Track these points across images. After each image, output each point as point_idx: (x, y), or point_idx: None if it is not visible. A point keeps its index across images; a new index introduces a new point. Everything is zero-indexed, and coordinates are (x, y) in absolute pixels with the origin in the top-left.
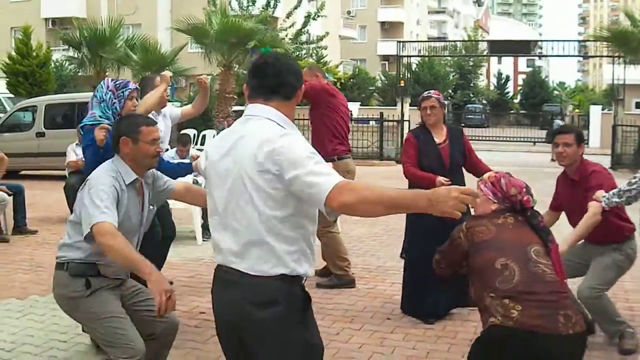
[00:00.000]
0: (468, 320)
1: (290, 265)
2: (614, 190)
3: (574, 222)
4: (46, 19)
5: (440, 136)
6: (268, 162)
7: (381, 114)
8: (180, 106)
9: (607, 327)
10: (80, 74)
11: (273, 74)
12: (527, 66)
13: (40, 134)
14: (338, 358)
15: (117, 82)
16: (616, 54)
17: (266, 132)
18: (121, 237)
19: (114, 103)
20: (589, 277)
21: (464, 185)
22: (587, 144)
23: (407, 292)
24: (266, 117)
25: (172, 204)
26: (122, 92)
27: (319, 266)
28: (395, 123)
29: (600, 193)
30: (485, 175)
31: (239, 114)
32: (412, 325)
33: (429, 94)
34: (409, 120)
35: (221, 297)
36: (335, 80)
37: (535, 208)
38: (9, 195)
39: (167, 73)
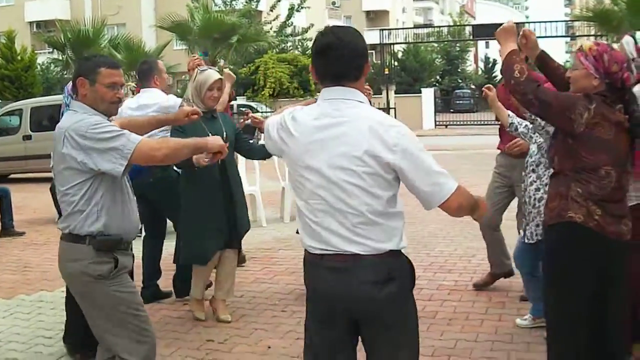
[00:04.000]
0: (447, 300)
1: (398, 240)
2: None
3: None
4: (30, 23)
5: None
6: (384, 147)
7: None
8: None
9: None
10: (66, 75)
11: (337, 59)
12: None
13: (27, 137)
14: None
15: None
16: (599, 33)
17: (374, 117)
18: (161, 140)
19: None
20: None
21: None
22: None
23: None
24: (357, 99)
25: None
26: None
27: None
28: (380, 111)
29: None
30: (586, 46)
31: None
32: None
33: None
34: (394, 108)
35: (329, 284)
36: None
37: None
38: None
39: (230, 72)
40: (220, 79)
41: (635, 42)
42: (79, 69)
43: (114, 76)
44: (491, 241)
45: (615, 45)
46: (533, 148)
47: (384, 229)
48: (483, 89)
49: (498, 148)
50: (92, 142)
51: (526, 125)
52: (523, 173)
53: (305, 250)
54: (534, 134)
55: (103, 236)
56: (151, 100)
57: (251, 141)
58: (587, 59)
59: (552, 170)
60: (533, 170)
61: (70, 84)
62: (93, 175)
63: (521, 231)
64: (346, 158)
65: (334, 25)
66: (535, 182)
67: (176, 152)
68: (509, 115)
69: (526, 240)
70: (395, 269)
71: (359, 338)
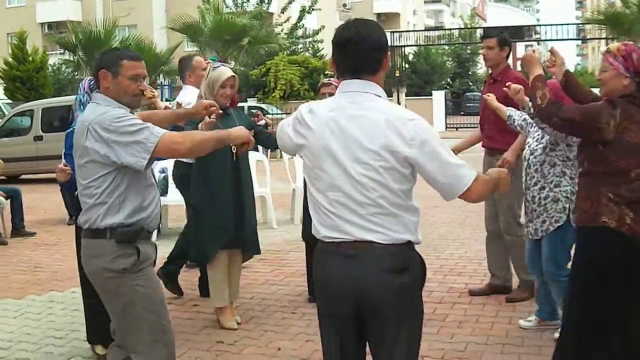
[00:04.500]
0: (458, 302)
1: (414, 233)
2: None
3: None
4: (42, 24)
5: None
6: (402, 141)
7: None
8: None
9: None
10: (77, 76)
11: (356, 53)
12: (526, 52)
13: (38, 138)
14: None
15: (93, 82)
16: (610, 36)
17: (392, 111)
18: (184, 134)
19: None
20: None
21: None
22: None
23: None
24: (375, 93)
25: None
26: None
27: None
28: None
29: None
30: (613, 47)
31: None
32: None
33: (329, 81)
34: None
35: (341, 270)
36: (332, 73)
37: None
38: (6, 198)
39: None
40: (234, 76)
41: None
42: (101, 62)
43: (137, 68)
44: (493, 248)
45: None
46: (533, 146)
47: (401, 220)
48: (483, 96)
49: (483, 146)
50: (115, 136)
51: (525, 119)
52: (524, 172)
53: (319, 240)
54: (532, 128)
55: (123, 227)
56: (181, 100)
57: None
58: (616, 59)
59: (557, 168)
60: (536, 170)
61: (85, 80)
62: (116, 168)
63: (527, 230)
64: (363, 151)
65: (355, 19)
66: (539, 181)
67: (200, 145)
68: (507, 109)
69: (530, 237)
70: (410, 260)
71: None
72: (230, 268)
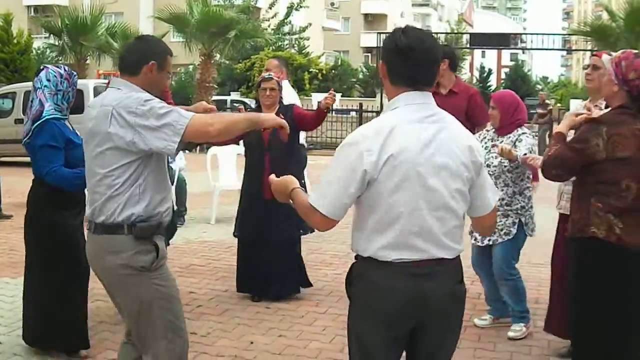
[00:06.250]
0: None
1: (462, 242)
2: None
3: None
4: (28, 7)
5: None
6: (477, 151)
7: (360, 104)
8: None
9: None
10: (61, 61)
11: (416, 62)
12: (511, 60)
13: (19, 121)
14: (301, 339)
15: (68, 70)
16: (595, 48)
17: (458, 123)
18: (214, 115)
19: (69, 92)
20: None
21: (283, 159)
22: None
23: (240, 270)
24: (435, 104)
25: None
26: (74, 80)
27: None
28: (374, 114)
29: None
30: (616, 54)
31: (219, 102)
32: None
33: (270, 76)
34: None
35: (411, 289)
36: (317, 71)
37: None
38: None
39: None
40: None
41: None
42: (151, 51)
43: (171, 64)
44: None
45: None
46: (490, 159)
47: (462, 232)
48: None
49: None
50: (143, 120)
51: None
52: None
53: (371, 260)
54: (484, 143)
55: (142, 222)
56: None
57: None
58: (611, 65)
59: (509, 189)
60: None
61: (52, 67)
62: (140, 157)
63: (474, 234)
64: (455, 164)
65: (411, 27)
66: None
67: (230, 126)
68: None
69: (474, 242)
70: (462, 269)
71: None
72: None
